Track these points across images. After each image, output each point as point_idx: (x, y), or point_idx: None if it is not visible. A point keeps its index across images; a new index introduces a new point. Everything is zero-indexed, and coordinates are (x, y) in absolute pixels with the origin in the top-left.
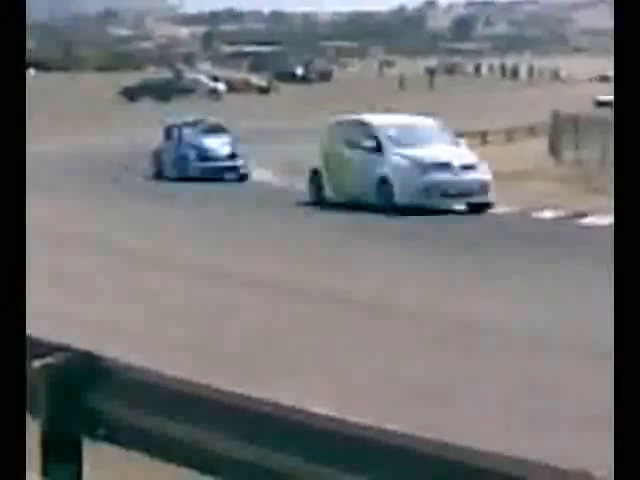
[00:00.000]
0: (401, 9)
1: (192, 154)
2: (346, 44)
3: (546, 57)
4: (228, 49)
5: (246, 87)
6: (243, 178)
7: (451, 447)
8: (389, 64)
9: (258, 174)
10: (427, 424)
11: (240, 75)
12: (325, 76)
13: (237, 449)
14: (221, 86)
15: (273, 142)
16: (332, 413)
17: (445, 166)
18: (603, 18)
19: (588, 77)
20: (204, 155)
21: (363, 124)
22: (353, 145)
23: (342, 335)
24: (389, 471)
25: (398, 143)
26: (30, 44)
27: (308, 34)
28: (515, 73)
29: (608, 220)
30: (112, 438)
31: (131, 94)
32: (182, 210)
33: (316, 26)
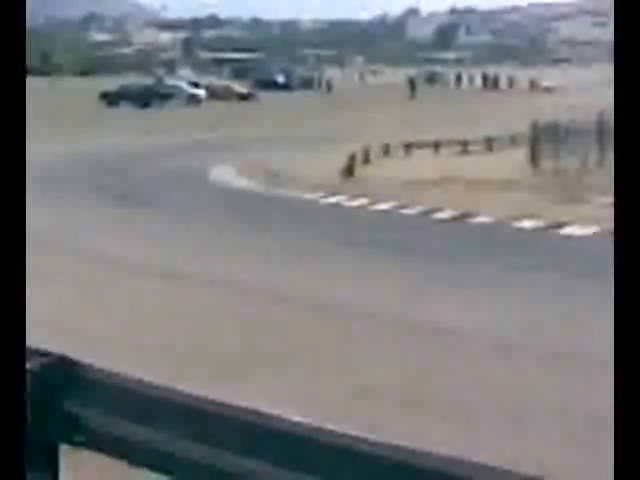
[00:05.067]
0: (382, 17)
1: None
2: (326, 52)
3: (527, 67)
4: (209, 55)
5: (227, 94)
6: None
7: (401, 449)
8: (374, 73)
9: None
10: None
11: (221, 82)
12: (306, 84)
13: (216, 456)
14: (201, 92)
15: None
16: (306, 420)
17: None
18: (584, 29)
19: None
20: None
21: None
22: None
23: None
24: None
25: None
26: None
27: (288, 41)
28: (496, 83)
29: (587, 230)
30: (89, 444)
31: (110, 99)
32: None
33: (296, 34)
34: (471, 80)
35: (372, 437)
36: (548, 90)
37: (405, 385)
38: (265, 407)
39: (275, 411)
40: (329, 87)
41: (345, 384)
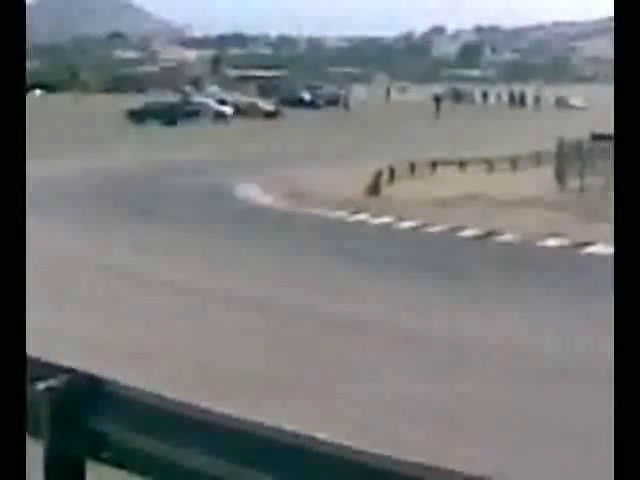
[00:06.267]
0: (407, 35)
1: None
2: (352, 70)
3: (552, 85)
4: (235, 73)
5: (253, 111)
6: None
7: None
8: (401, 90)
9: None
10: None
11: (247, 99)
12: (332, 101)
13: (238, 473)
14: (228, 110)
15: None
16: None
17: None
18: (608, 47)
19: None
20: None
21: None
22: None
23: None
24: None
25: None
26: (36, 65)
27: (314, 59)
28: (522, 101)
29: (611, 249)
30: (115, 460)
31: (137, 117)
32: None
33: (322, 51)
34: (498, 98)
35: (391, 455)
36: (574, 108)
37: None
38: None
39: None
40: (346, 105)
41: None
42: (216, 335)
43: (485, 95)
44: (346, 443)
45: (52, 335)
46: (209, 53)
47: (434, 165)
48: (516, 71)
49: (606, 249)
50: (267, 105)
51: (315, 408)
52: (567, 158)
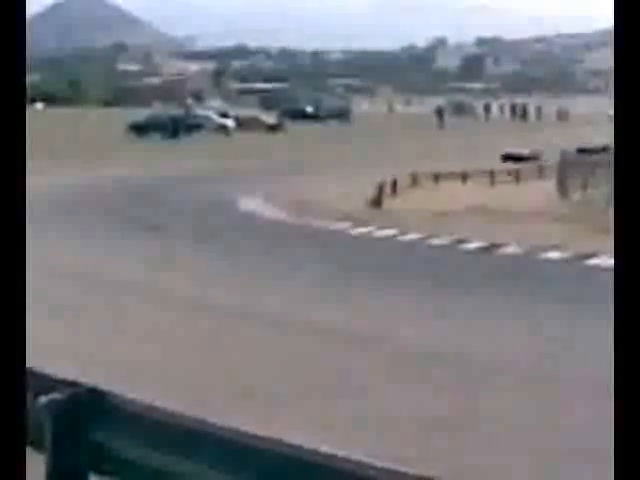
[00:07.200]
0: (410, 47)
1: None
2: (355, 82)
3: (555, 97)
4: (237, 86)
5: (255, 124)
6: None
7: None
8: (408, 102)
9: None
10: None
11: (249, 112)
12: (335, 114)
13: None
14: (230, 123)
15: None
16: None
17: None
18: (612, 59)
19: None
20: None
21: None
22: None
23: None
24: None
25: None
26: (37, 78)
27: (316, 71)
28: (524, 114)
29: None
30: (118, 474)
31: (139, 130)
32: None
33: (324, 63)
34: (501, 110)
35: (392, 466)
36: (576, 120)
37: None
38: None
39: None
40: (347, 118)
41: None
42: None
43: (487, 108)
44: (355, 457)
45: None
46: (211, 66)
47: (436, 177)
48: (518, 83)
49: (609, 261)
50: (269, 118)
51: None
52: (569, 171)
